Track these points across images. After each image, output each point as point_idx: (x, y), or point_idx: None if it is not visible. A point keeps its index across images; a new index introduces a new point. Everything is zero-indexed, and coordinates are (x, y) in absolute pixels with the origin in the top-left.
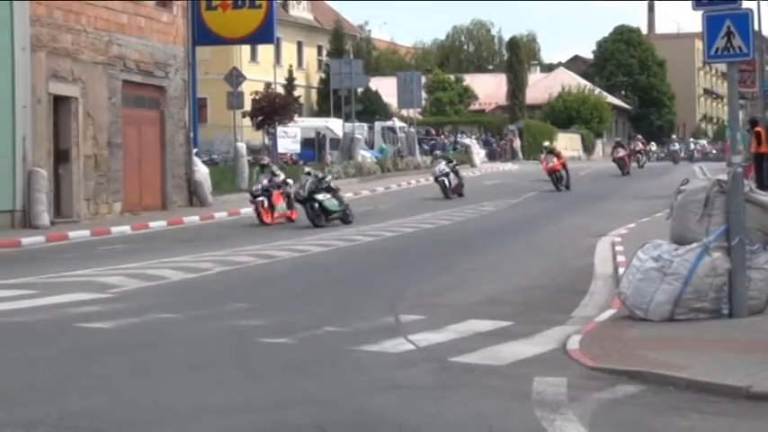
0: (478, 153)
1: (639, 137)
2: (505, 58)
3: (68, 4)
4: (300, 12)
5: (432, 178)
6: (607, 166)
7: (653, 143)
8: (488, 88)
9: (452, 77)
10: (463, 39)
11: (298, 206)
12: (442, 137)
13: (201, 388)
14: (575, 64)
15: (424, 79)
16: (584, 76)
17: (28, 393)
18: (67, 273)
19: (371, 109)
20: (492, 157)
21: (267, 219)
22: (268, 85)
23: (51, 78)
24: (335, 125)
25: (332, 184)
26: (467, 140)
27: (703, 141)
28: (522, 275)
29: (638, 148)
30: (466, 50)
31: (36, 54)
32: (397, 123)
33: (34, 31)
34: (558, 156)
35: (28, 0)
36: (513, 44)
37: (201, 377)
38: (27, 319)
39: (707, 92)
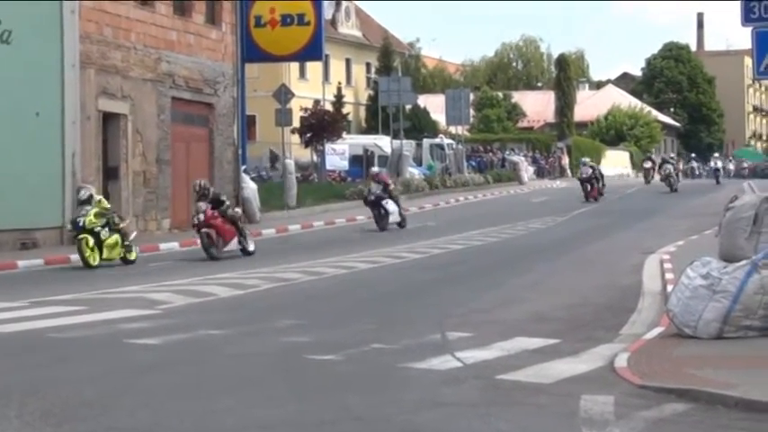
0: (526, 170)
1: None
2: (554, 75)
3: (118, 22)
4: (349, 29)
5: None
6: (655, 183)
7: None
8: (537, 105)
9: (501, 94)
10: (512, 56)
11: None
12: (490, 154)
13: (248, 404)
14: (623, 81)
15: (472, 96)
16: (633, 93)
17: (76, 409)
18: (116, 289)
19: (420, 126)
20: (540, 174)
21: None
22: (317, 102)
23: (101, 95)
24: (384, 142)
25: None
26: (515, 158)
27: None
28: (570, 293)
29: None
30: (514, 67)
31: (85, 71)
32: (446, 140)
33: (84, 48)
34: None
35: (80, 4)
36: (562, 61)
37: (249, 394)
38: (76, 334)
39: (756, 109)
